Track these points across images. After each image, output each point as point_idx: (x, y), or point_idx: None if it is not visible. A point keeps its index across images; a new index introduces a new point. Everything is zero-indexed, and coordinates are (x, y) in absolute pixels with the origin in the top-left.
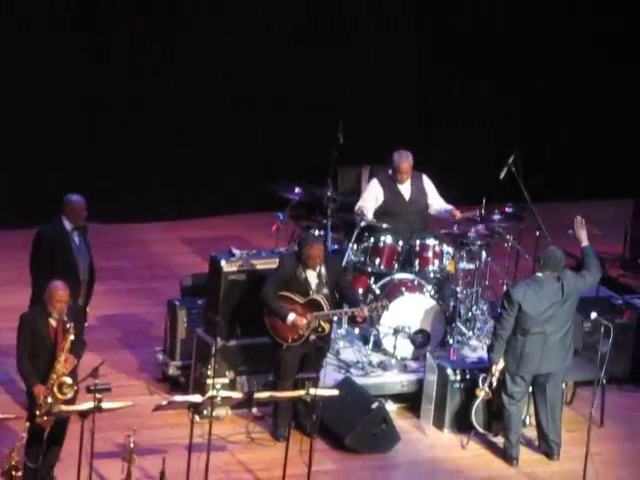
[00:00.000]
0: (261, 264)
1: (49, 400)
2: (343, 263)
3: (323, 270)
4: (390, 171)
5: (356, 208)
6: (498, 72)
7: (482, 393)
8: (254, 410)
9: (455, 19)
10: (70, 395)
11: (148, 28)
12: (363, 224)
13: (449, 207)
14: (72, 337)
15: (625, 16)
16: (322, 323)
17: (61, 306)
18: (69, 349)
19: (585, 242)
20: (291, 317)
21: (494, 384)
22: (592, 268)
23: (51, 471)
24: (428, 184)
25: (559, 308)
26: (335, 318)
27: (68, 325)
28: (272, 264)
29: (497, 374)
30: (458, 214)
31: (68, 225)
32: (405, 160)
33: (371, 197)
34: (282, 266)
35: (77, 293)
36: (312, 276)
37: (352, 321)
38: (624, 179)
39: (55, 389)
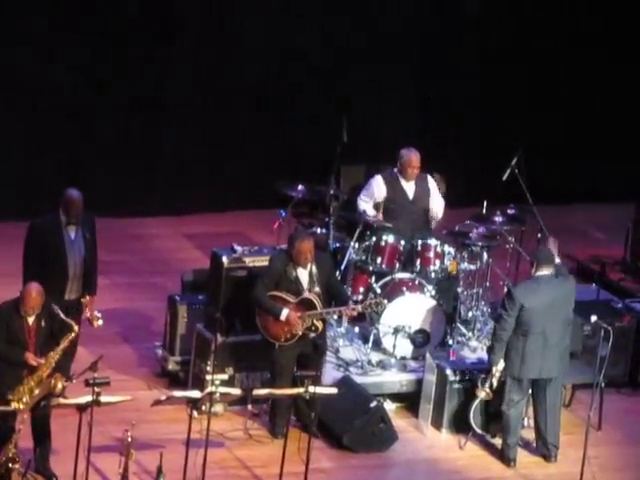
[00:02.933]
0: (262, 261)
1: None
2: (344, 261)
3: (314, 268)
4: (395, 169)
5: (360, 209)
6: (502, 72)
7: (483, 394)
8: (249, 407)
9: (458, 17)
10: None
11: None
12: (372, 223)
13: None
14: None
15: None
16: (315, 322)
17: (27, 310)
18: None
19: None
20: (285, 312)
21: (495, 385)
22: None
23: (47, 463)
24: (433, 186)
25: (559, 304)
26: (333, 316)
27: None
28: None
29: (497, 375)
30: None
31: (64, 219)
32: (414, 154)
33: (370, 195)
34: (272, 264)
35: (63, 287)
36: (303, 274)
37: (351, 319)
38: (626, 183)
39: (28, 395)
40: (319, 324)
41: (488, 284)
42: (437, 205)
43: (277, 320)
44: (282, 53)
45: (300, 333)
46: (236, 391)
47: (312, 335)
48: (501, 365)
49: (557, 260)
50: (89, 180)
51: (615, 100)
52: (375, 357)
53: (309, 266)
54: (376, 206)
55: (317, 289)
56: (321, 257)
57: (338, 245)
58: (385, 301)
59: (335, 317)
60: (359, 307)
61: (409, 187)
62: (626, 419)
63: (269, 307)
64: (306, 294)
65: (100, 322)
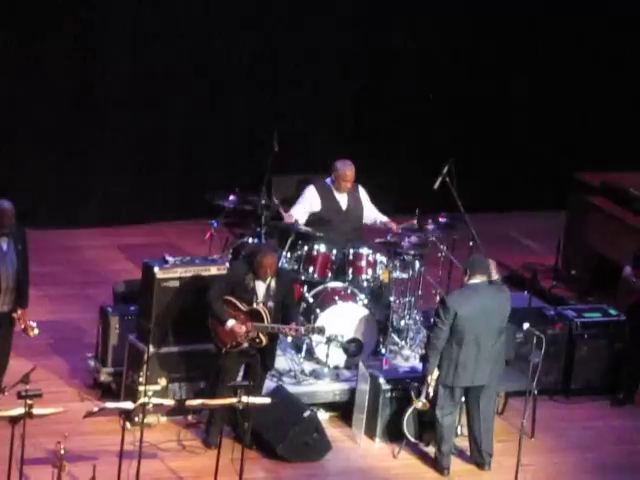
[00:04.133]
0: (194, 271)
1: None
2: None
3: (273, 283)
4: (328, 180)
5: (289, 216)
6: (429, 82)
7: (420, 404)
8: (190, 417)
9: (398, 34)
10: None
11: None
12: (300, 230)
13: (385, 219)
14: None
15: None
16: (261, 335)
17: None
18: None
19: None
20: (230, 323)
21: (431, 394)
22: None
23: None
24: (363, 194)
25: (493, 312)
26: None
27: None
28: (205, 271)
29: (433, 384)
30: (394, 227)
31: None
32: (349, 168)
33: (306, 205)
34: (232, 270)
35: None
36: (261, 287)
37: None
38: (555, 191)
39: None
40: (264, 338)
41: (420, 292)
42: (372, 211)
43: (224, 327)
44: (214, 63)
45: (244, 343)
46: (169, 402)
47: (246, 346)
48: (436, 374)
49: (496, 277)
50: (18, 191)
51: (545, 109)
52: (308, 366)
53: (268, 280)
54: (310, 217)
55: (270, 304)
56: (284, 275)
57: None
58: (325, 327)
59: (280, 334)
60: (302, 329)
61: (342, 198)
62: (559, 426)
63: (218, 312)
64: (257, 306)
65: (36, 331)
